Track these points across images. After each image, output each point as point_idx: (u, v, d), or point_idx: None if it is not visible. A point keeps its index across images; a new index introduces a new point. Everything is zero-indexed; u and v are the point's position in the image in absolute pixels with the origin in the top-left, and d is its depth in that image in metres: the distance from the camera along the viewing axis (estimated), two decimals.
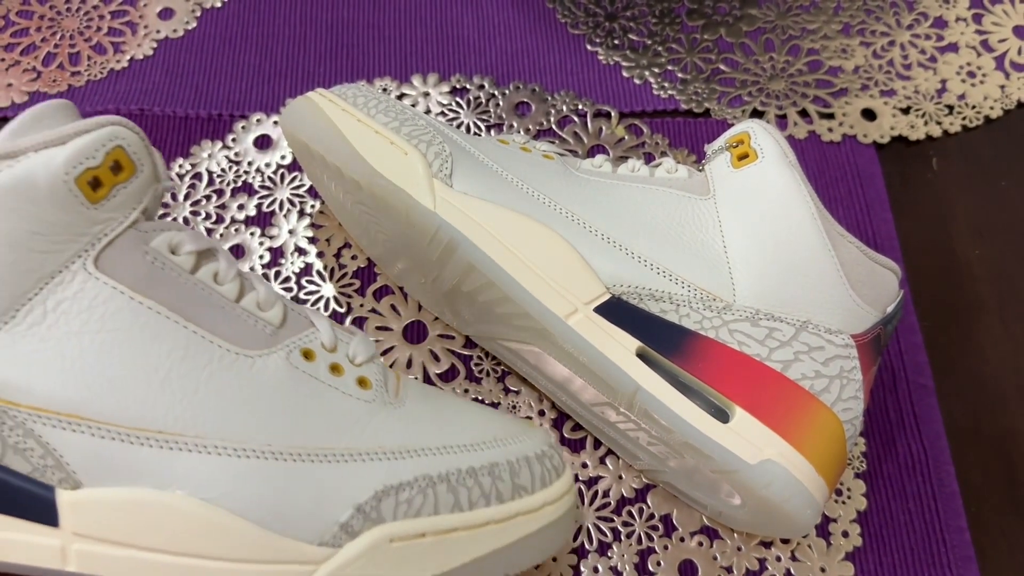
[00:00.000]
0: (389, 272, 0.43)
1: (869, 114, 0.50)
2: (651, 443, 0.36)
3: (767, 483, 0.32)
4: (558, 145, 0.47)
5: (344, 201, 0.40)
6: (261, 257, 0.44)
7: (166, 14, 0.52)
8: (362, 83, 0.42)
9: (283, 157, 0.47)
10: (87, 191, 0.28)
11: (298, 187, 0.46)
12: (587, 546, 0.38)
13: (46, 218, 0.28)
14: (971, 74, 0.51)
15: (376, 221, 0.39)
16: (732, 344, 0.34)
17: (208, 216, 0.45)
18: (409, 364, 0.41)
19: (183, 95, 0.49)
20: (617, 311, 0.35)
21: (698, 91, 0.50)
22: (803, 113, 0.50)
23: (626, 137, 0.48)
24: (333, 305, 0.43)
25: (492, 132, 0.48)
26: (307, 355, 0.31)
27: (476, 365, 0.42)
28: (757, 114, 0.50)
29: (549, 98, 0.50)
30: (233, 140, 0.48)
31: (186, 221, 0.45)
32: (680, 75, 0.51)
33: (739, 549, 0.38)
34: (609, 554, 0.38)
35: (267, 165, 0.47)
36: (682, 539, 0.38)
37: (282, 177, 0.47)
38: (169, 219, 0.45)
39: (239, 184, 0.46)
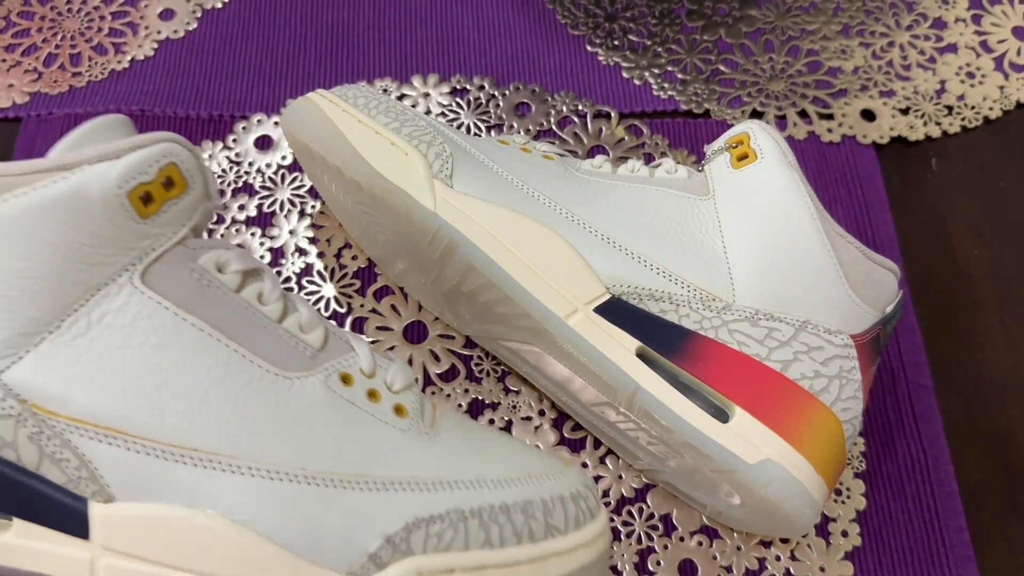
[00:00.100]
0: (389, 272, 0.43)
1: (868, 115, 0.50)
2: (651, 443, 0.36)
3: (766, 482, 0.32)
4: (558, 146, 0.47)
5: (344, 201, 0.40)
6: (262, 257, 0.44)
7: (167, 15, 0.52)
8: (362, 84, 0.42)
9: (284, 158, 0.47)
10: (138, 206, 0.28)
11: (299, 187, 0.46)
12: None
13: (96, 230, 0.28)
14: (970, 75, 0.51)
15: (376, 221, 0.39)
16: (732, 344, 0.34)
17: None
18: (410, 364, 0.42)
19: (184, 96, 0.49)
20: (617, 311, 0.35)
21: (698, 92, 0.50)
22: (802, 114, 0.50)
23: (626, 138, 0.49)
24: (334, 305, 0.43)
25: (492, 133, 0.48)
26: (345, 379, 0.31)
27: (476, 365, 0.42)
28: (757, 115, 0.50)
29: (549, 99, 0.50)
30: (234, 141, 0.48)
31: None
32: (680, 76, 0.51)
33: (739, 548, 0.38)
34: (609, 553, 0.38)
35: (268, 166, 0.47)
36: (682, 538, 0.38)
37: (283, 178, 0.47)
38: None
39: (240, 184, 0.46)
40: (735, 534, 0.38)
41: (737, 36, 0.53)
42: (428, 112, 0.49)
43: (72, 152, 0.28)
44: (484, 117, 0.49)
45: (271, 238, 0.45)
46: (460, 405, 0.41)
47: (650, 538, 0.38)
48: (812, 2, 0.54)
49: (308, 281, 0.44)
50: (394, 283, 0.44)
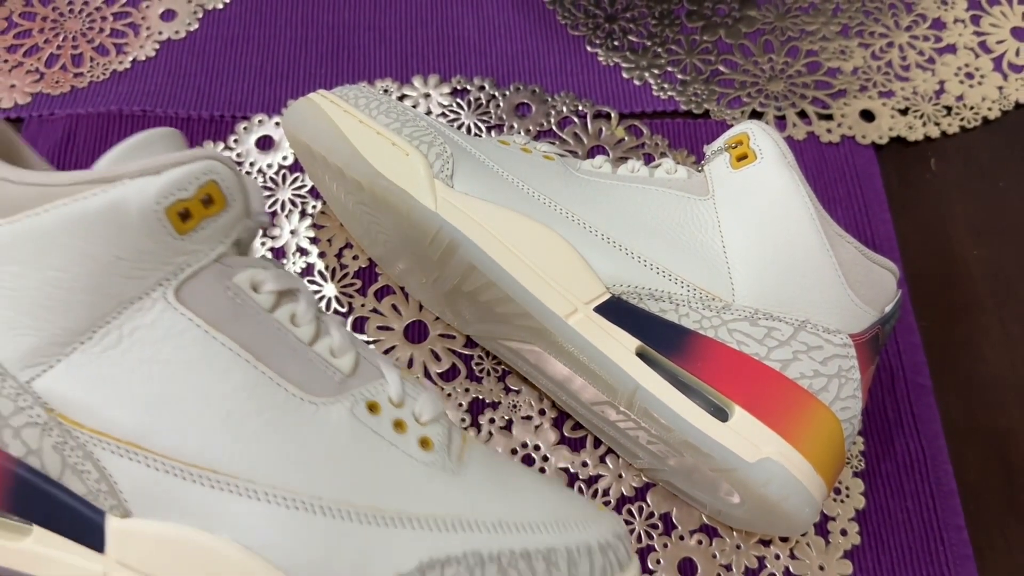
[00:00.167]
0: (390, 272, 0.43)
1: (868, 115, 0.50)
2: (651, 442, 0.36)
3: (766, 481, 0.32)
4: (558, 146, 0.47)
5: (346, 202, 0.40)
6: (263, 257, 0.44)
7: (168, 15, 0.52)
8: (363, 84, 0.42)
9: (285, 158, 0.47)
10: (176, 221, 0.28)
11: (300, 188, 0.46)
12: None
13: (132, 244, 0.28)
14: (969, 75, 0.52)
15: (377, 221, 0.39)
16: (731, 343, 0.34)
17: None
18: (410, 364, 0.42)
19: (185, 96, 0.49)
20: (617, 311, 0.35)
21: (697, 92, 0.50)
22: (802, 114, 0.50)
23: (626, 138, 0.49)
24: (335, 305, 0.43)
25: (493, 133, 0.49)
26: (372, 408, 0.30)
27: (477, 364, 0.42)
28: (756, 115, 0.50)
29: (549, 99, 0.50)
30: (235, 141, 0.48)
31: None
32: (680, 76, 0.51)
33: (738, 547, 0.38)
34: None
35: (269, 166, 0.47)
36: (681, 537, 0.38)
37: (284, 178, 0.47)
38: None
39: None
40: (734, 533, 0.38)
41: (737, 37, 0.53)
42: (429, 113, 0.49)
43: (116, 164, 0.28)
44: (484, 117, 0.49)
45: (272, 238, 0.45)
46: (460, 404, 0.41)
47: (650, 537, 0.38)
48: (811, 3, 0.54)
49: (309, 281, 0.44)
50: (395, 283, 0.44)
